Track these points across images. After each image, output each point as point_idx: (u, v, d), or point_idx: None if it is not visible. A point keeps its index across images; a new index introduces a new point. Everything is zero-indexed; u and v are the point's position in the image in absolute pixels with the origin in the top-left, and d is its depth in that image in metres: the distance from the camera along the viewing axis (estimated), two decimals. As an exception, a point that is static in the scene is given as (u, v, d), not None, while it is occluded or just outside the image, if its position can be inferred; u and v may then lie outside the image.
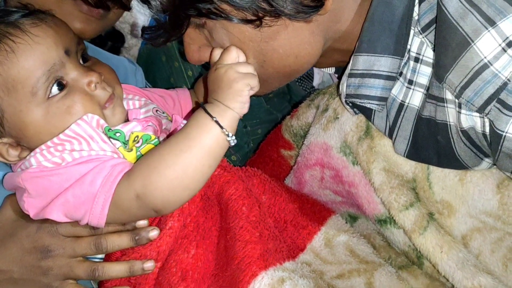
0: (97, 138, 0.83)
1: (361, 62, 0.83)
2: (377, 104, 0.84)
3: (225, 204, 0.85)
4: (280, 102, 1.35)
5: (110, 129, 0.85)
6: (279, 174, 1.09)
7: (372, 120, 0.87)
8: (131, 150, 0.86)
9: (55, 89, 0.83)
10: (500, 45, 0.68)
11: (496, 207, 0.81)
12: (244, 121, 1.26)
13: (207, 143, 0.79)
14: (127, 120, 0.91)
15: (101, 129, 0.85)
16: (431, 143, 0.81)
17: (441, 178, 0.83)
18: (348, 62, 0.86)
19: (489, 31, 0.69)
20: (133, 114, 0.94)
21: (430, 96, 0.78)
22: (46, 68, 0.82)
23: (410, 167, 0.85)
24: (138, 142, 0.87)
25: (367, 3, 0.83)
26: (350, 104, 0.88)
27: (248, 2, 0.76)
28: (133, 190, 0.78)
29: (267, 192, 0.90)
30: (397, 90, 0.83)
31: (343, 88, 0.87)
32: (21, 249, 0.84)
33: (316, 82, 1.32)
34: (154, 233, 0.83)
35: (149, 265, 0.83)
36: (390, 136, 0.85)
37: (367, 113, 0.87)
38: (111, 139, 0.85)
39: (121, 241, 0.84)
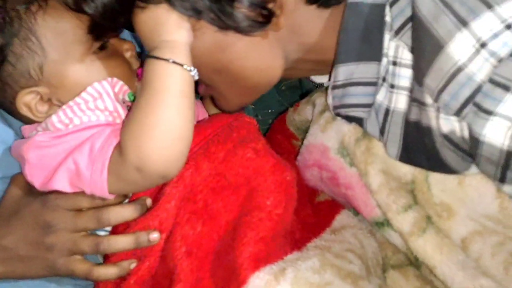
0: (113, 97, 0.83)
1: (341, 72, 0.84)
2: (362, 111, 0.84)
3: (249, 191, 0.84)
4: (292, 95, 1.35)
5: (133, 94, 0.86)
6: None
7: (365, 128, 0.86)
8: None
9: (98, 46, 0.84)
10: (473, 46, 0.67)
11: (496, 211, 0.79)
12: (255, 110, 1.27)
13: (175, 87, 0.77)
14: None
15: (122, 95, 0.85)
16: (421, 147, 0.80)
17: (440, 180, 0.83)
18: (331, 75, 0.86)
19: (461, 32, 0.67)
20: None
21: (414, 100, 0.77)
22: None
23: (409, 168, 0.85)
24: None
25: (339, 15, 0.83)
26: (340, 115, 0.88)
27: (190, 11, 0.77)
28: (130, 165, 0.77)
29: (293, 188, 0.88)
30: (383, 96, 0.82)
31: (329, 101, 0.87)
32: (25, 226, 0.83)
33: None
34: (154, 235, 0.82)
35: (154, 235, 0.82)
36: (383, 142, 0.85)
37: (359, 121, 0.87)
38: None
39: (124, 212, 0.83)
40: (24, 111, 0.84)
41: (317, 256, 0.80)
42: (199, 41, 0.80)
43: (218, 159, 0.86)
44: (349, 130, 0.90)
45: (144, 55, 0.83)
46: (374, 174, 0.86)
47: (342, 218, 0.93)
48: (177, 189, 0.83)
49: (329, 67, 0.89)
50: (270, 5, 0.79)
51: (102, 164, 0.78)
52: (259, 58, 0.84)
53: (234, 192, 0.86)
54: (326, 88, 0.97)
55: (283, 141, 1.11)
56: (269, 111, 1.35)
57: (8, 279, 0.87)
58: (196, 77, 0.79)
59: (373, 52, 0.81)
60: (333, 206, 0.97)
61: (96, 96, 0.83)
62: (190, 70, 0.77)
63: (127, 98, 0.86)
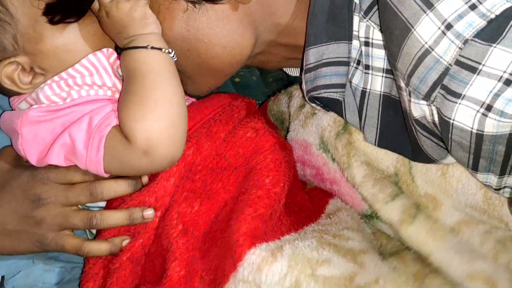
0: (110, 72, 0.82)
1: (311, 55, 0.83)
2: (334, 92, 0.82)
3: (248, 170, 0.84)
4: (278, 87, 1.38)
5: None
6: None
7: (344, 116, 0.85)
8: None
9: None
10: (439, 28, 0.66)
11: (481, 201, 0.79)
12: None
13: (162, 68, 0.78)
14: None
15: (116, 66, 0.84)
16: (399, 131, 0.79)
17: (423, 172, 0.82)
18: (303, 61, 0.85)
19: (427, 14, 0.66)
20: None
21: (395, 82, 0.77)
22: None
23: (391, 161, 0.84)
24: None
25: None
26: (316, 102, 0.86)
27: None
28: (138, 149, 0.76)
29: (292, 169, 0.88)
30: (358, 79, 0.82)
31: (303, 86, 0.86)
32: (14, 199, 0.81)
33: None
34: (149, 212, 0.81)
35: (149, 212, 0.81)
36: (361, 127, 0.84)
37: (337, 109, 0.86)
38: None
39: (117, 186, 0.82)
40: (8, 84, 0.81)
41: (315, 237, 0.80)
42: (167, 24, 0.81)
43: (219, 139, 0.86)
44: (329, 124, 0.89)
45: (118, 50, 0.83)
46: (357, 166, 0.85)
47: (336, 202, 0.93)
48: (178, 167, 0.82)
49: (300, 52, 0.87)
50: None
51: (99, 141, 0.77)
52: (227, 34, 0.83)
53: (234, 173, 0.85)
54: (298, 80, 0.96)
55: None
56: (256, 102, 1.36)
57: None
58: (175, 59, 0.80)
59: (342, 32, 0.80)
60: (325, 193, 0.97)
61: (92, 70, 0.81)
62: (169, 52, 0.79)
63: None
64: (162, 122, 0.76)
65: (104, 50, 0.83)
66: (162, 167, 0.81)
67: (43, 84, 0.81)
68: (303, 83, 0.85)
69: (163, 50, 0.79)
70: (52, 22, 0.79)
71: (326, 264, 0.75)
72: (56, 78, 0.81)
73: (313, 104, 0.87)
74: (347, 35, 0.80)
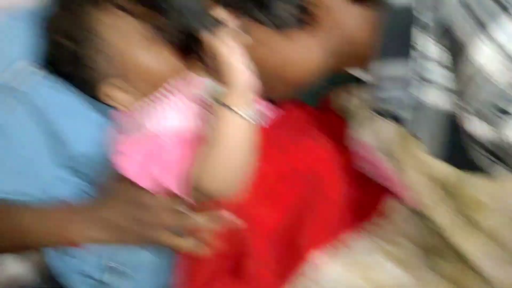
0: (188, 99, 0.90)
1: (376, 69, 0.85)
2: (397, 107, 0.85)
3: (311, 177, 0.91)
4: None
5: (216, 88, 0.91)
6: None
7: (401, 124, 0.87)
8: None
9: None
10: (492, 49, 0.67)
11: None
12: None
13: (235, 135, 0.83)
14: None
15: (199, 90, 0.91)
16: (454, 144, 0.81)
17: (477, 181, 0.83)
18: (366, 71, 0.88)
19: (480, 35, 0.69)
20: None
21: (453, 96, 0.78)
22: None
23: (444, 168, 0.85)
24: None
25: (375, 11, 0.85)
26: (377, 112, 0.89)
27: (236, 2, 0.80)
28: (200, 188, 0.85)
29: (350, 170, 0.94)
30: (415, 90, 0.83)
31: (365, 98, 0.89)
32: (123, 203, 0.95)
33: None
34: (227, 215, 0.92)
35: (227, 215, 0.93)
36: (418, 137, 0.86)
37: (396, 118, 0.88)
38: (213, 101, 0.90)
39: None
40: (109, 102, 0.93)
41: (371, 242, 0.87)
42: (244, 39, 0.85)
43: (285, 148, 0.95)
44: (386, 130, 0.92)
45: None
46: (410, 174, 0.89)
47: (391, 201, 0.99)
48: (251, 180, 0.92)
49: (366, 62, 0.90)
50: (312, 4, 0.82)
51: (174, 178, 0.86)
52: (298, 51, 0.87)
53: (296, 177, 0.93)
54: (361, 81, 1.00)
55: (332, 116, 1.13)
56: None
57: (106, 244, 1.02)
58: (254, 122, 0.84)
59: (405, 48, 0.82)
60: (380, 187, 1.02)
61: (171, 98, 0.89)
62: (252, 119, 0.83)
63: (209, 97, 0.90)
64: (224, 177, 0.85)
65: (184, 74, 0.90)
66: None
67: (136, 107, 0.91)
68: (366, 93, 0.90)
69: (247, 116, 0.83)
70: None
71: (380, 270, 0.82)
72: (146, 101, 0.90)
73: (374, 113, 0.91)
74: (408, 51, 0.82)
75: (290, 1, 0.82)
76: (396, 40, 0.84)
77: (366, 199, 1.02)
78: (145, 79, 0.93)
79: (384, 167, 0.98)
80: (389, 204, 1.01)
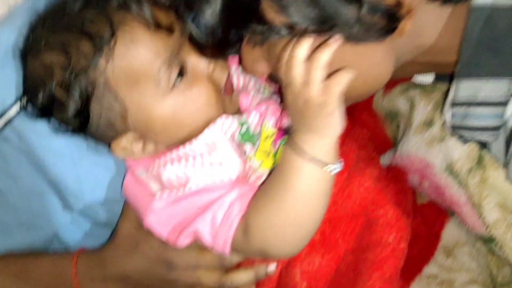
0: (230, 149, 0.78)
1: (464, 88, 0.74)
2: (489, 136, 0.75)
3: (367, 222, 0.83)
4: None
5: (248, 130, 0.80)
6: (375, 140, 1.03)
7: (489, 149, 0.79)
8: (267, 153, 0.81)
9: (176, 77, 0.76)
10: None
11: None
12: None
13: (310, 187, 0.72)
14: None
15: (234, 136, 0.80)
16: None
17: None
18: (449, 88, 0.77)
19: None
20: (243, 98, 0.86)
21: None
22: (166, 54, 0.75)
23: None
24: (274, 144, 0.81)
25: (459, 16, 0.73)
26: (458, 134, 0.80)
27: (306, 21, 0.68)
28: (253, 246, 0.76)
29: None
30: (509, 113, 0.73)
31: (447, 118, 0.78)
32: (148, 260, 0.85)
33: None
34: (272, 267, 0.83)
35: (272, 268, 0.84)
36: (505, 162, 0.77)
37: (481, 142, 0.79)
38: (245, 144, 0.80)
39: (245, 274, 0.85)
40: (121, 154, 0.81)
41: None
42: None
43: (335, 188, 0.82)
44: (461, 156, 0.83)
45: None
46: (489, 209, 0.81)
47: (452, 229, 0.91)
48: None
49: (439, 68, 0.81)
50: (399, 12, 0.71)
51: (225, 241, 0.77)
52: (370, 66, 0.76)
53: (351, 222, 0.84)
54: (427, 88, 0.90)
55: (369, 119, 1.04)
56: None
57: None
58: (338, 170, 0.73)
59: (505, 66, 0.71)
60: (439, 212, 0.94)
61: (211, 148, 0.78)
62: (331, 169, 0.71)
63: (237, 139, 0.81)
64: (282, 231, 0.75)
65: (220, 122, 0.78)
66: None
67: (164, 161, 0.79)
68: (449, 114, 0.78)
69: (326, 167, 0.71)
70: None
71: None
72: (174, 155, 0.78)
73: (455, 137, 0.81)
74: (509, 71, 0.71)
75: (377, 9, 0.69)
76: (491, 56, 0.71)
77: (423, 221, 0.92)
78: (165, 130, 0.79)
79: (450, 190, 0.88)
80: (451, 233, 0.92)
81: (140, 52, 0.74)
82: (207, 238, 0.77)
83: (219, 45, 0.76)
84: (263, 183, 0.79)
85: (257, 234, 0.75)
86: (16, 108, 0.84)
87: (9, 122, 0.84)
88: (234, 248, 0.77)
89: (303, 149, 0.71)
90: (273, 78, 0.84)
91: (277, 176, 0.75)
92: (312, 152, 0.71)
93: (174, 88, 0.77)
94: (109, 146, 0.82)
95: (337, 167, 0.72)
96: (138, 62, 0.74)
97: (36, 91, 0.76)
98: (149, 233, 0.86)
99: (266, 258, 0.82)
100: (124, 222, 0.90)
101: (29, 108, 0.80)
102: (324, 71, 0.67)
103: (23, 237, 0.92)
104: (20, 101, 0.83)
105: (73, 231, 0.99)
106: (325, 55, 0.67)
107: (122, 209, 0.91)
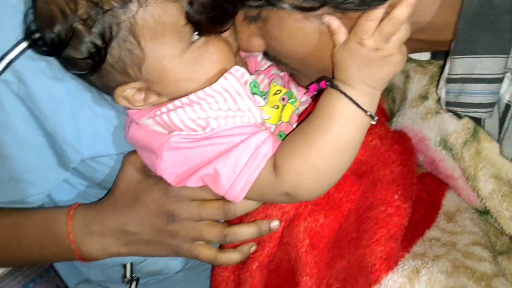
0: (244, 95, 0.78)
1: (459, 65, 0.75)
2: (483, 112, 0.76)
3: (372, 180, 0.83)
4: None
5: (256, 83, 0.81)
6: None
7: (482, 125, 0.79)
8: (276, 106, 0.82)
9: (195, 35, 0.76)
10: None
11: None
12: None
13: (352, 134, 0.76)
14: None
15: (247, 85, 0.80)
16: None
17: None
18: (445, 65, 0.77)
19: None
20: (252, 63, 0.88)
21: None
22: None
23: None
24: (283, 99, 0.83)
25: None
26: (452, 110, 0.80)
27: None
28: (281, 189, 0.76)
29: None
30: (504, 89, 0.74)
31: (442, 95, 0.79)
32: (149, 213, 0.84)
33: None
34: (275, 223, 0.83)
35: (275, 224, 0.83)
36: (500, 139, 0.78)
37: (475, 117, 0.79)
38: (254, 95, 0.80)
39: (250, 204, 0.83)
40: (122, 102, 0.80)
41: (447, 256, 0.79)
42: (300, 29, 0.75)
43: None
44: (455, 130, 0.84)
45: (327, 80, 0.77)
46: (484, 180, 0.82)
47: (453, 197, 0.91)
48: None
49: (436, 46, 0.81)
50: None
51: (246, 183, 0.76)
52: None
53: (356, 181, 0.84)
54: (422, 62, 0.90)
55: None
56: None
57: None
58: (374, 123, 0.76)
59: (502, 44, 0.72)
60: (439, 181, 0.95)
61: (226, 96, 0.77)
62: (372, 117, 0.75)
63: (248, 89, 0.80)
64: (317, 175, 0.76)
65: (233, 70, 0.78)
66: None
67: (172, 105, 0.78)
68: (443, 90, 0.79)
69: (368, 113, 0.75)
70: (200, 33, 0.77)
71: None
72: (185, 100, 0.78)
73: (449, 112, 0.82)
74: (505, 48, 0.72)
75: None
76: (488, 33, 0.72)
77: (427, 188, 0.93)
78: (174, 85, 0.79)
79: (444, 163, 0.89)
80: (452, 201, 0.92)
81: (172, 5, 0.73)
82: (223, 181, 0.77)
83: (215, 21, 0.76)
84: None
85: (291, 177, 0.76)
86: (18, 50, 0.81)
87: (10, 64, 0.80)
88: (253, 192, 0.77)
89: (352, 96, 0.74)
90: (267, 55, 0.84)
91: (321, 120, 0.76)
92: (361, 101, 0.75)
93: (193, 43, 0.77)
94: (111, 94, 0.80)
95: (376, 118, 0.76)
96: (168, 14, 0.73)
97: (52, 24, 0.72)
98: (150, 186, 0.85)
99: (287, 202, 0.81)
100: (123, 176, 0.88)
101: (36, 45, 0.77)
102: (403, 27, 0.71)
103: (13, 192, 0.88)
104: (25, 39, 0.79)
105: (66, 190, 0.97)
106: (405, 10, 0.70)
107: (121, 166, 0.89)
